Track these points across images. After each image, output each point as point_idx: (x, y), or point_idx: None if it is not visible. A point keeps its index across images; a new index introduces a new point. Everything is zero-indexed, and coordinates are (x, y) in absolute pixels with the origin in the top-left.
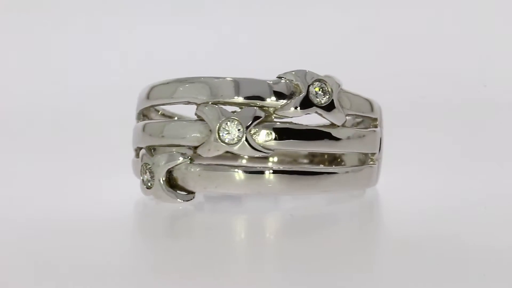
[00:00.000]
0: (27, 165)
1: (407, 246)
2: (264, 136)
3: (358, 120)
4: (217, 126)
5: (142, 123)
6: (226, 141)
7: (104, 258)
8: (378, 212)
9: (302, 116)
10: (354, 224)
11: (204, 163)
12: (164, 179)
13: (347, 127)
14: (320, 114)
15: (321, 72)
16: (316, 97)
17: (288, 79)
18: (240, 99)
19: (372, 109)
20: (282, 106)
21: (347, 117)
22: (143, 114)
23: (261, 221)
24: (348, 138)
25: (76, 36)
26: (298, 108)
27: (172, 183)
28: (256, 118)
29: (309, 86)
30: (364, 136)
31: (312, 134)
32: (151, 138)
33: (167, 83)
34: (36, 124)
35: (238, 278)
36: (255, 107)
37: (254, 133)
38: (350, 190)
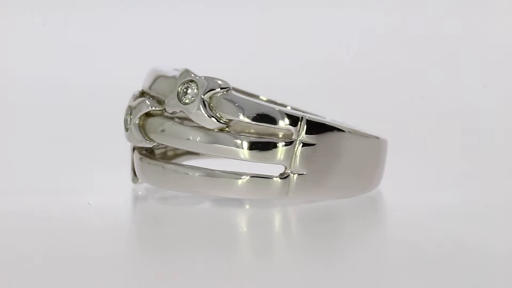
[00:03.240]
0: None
1: (407, 246)
2: (149, 128)
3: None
4: (125, 115)
5: None
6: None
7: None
8: (379, 212)
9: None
10: (354, 224)
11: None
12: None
13: (228, 132)
14: (185, 113)
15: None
16: (184, 96)
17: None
18: (151, 93)
19: (286, 122)
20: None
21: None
22: None
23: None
24: (227, 144)
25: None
26: (168, 105)
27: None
28: (143, 109)
29: (180, 84)
30: (261, 146)
31: (186, 132)
32: None
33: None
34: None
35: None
36: (147, 100)
37: (143, 124)
38: (251, 197)
